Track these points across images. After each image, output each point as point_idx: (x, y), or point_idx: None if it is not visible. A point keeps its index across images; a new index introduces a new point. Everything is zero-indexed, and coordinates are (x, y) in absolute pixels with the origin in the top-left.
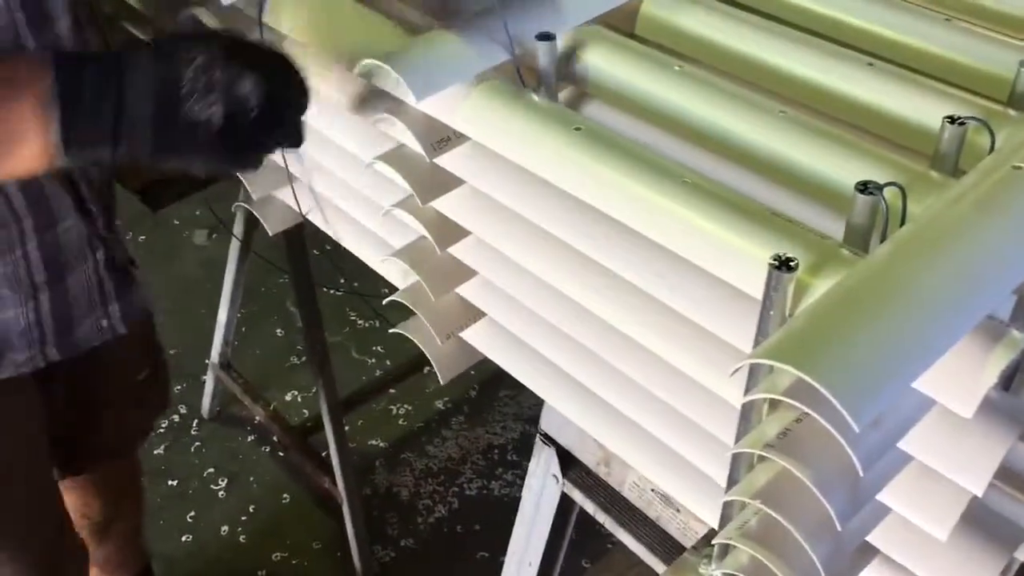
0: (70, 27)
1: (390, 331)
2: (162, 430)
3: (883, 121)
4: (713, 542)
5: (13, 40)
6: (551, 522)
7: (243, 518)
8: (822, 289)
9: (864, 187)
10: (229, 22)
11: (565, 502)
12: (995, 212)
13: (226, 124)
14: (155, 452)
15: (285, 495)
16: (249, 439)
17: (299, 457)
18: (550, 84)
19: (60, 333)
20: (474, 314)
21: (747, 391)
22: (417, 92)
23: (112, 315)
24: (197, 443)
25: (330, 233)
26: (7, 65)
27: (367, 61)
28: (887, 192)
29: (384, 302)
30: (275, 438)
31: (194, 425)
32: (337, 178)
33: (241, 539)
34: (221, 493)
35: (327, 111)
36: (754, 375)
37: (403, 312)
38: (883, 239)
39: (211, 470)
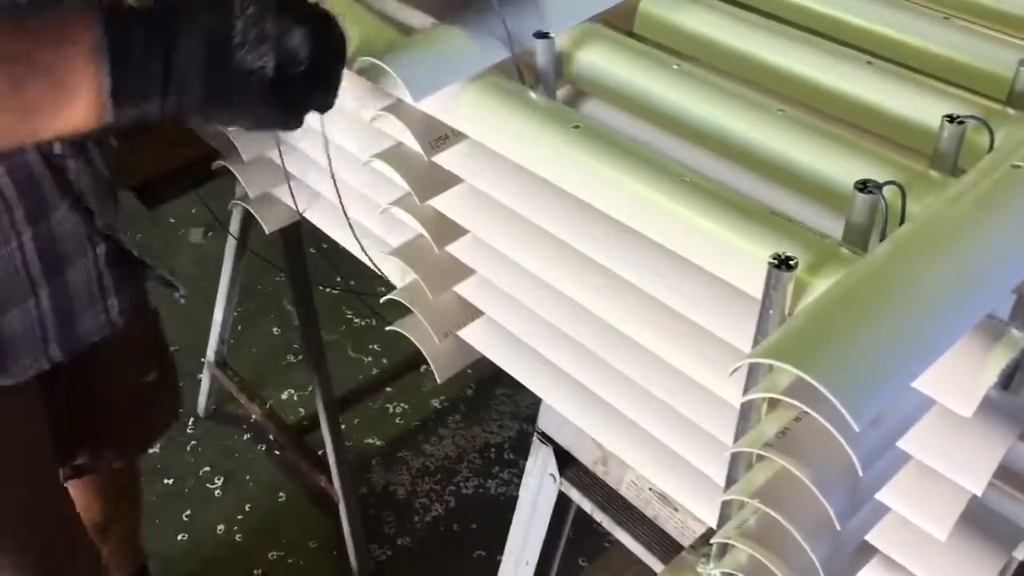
0: None
1: (387, 329)
2: None
3: (882, 120)
4: (711, 541)
5: None
6: (548, 521)
7: (239, 517)
8: (821, 288)
9: (863, 186)
10: None
11: (562, 501)
12: (994, 211)
13: (276, 76)
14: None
15: (281, 494)
16: (245, 438)
17: (295, 456)
18: (548, 82)
19: (62, 327)
20: (471, 313)
21: (746, 390)
22: (415, 91)
23: (111, 309)
24: (193, 442)
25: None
26: (53, 17)
27: (365, 59)
28: (886, 191)
29: (381, 300)
30: (271, 436)
31: (190, 423)
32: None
33: (237, 538)
34: (217, 492)
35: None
36: (753, 374)
37: (400, 310)
38: (882, 238)
39: (207, 469)
